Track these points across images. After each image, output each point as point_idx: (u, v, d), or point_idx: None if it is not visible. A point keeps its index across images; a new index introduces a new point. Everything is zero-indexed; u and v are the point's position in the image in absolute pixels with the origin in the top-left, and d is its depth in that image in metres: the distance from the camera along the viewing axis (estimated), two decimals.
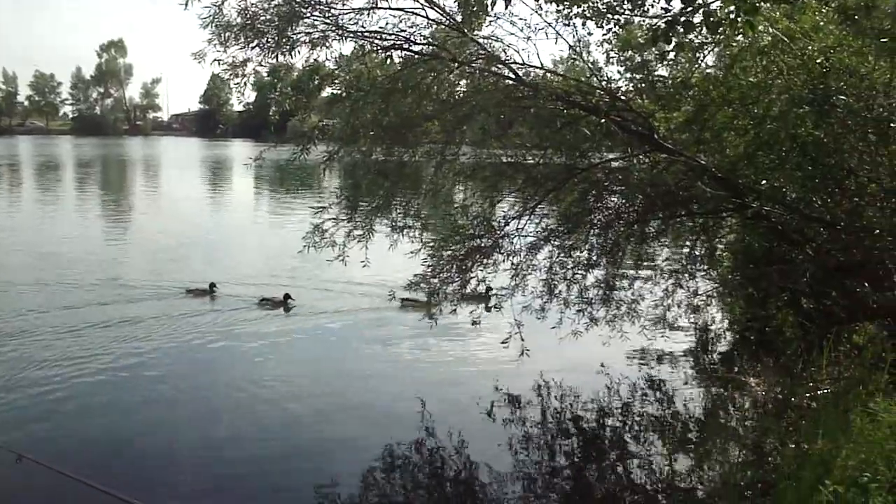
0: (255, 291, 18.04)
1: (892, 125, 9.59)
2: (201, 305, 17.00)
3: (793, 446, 8.18)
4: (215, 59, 10.11)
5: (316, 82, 11.47)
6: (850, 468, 5.62)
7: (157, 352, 13.67)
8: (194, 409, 11.21)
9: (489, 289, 11.53)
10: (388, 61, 10.55)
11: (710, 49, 11.71)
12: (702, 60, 11.93)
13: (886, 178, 9.68)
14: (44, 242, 26.07)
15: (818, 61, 9.78)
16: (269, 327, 15.53)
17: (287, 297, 17.08)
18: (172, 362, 13.25)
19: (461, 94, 10.35)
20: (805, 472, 6.40)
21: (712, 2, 6.29)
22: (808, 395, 9.72)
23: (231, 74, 10.29)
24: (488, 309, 11.89)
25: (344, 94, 11.24)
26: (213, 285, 18.01)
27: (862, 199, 10.01)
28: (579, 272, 11.35)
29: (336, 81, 11.61)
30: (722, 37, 11.17)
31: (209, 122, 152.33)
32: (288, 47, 9.84)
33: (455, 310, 11.43)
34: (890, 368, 7.68)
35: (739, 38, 10.98)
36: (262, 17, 9.74)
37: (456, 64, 10.09)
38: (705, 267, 12.18)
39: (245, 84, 10.31)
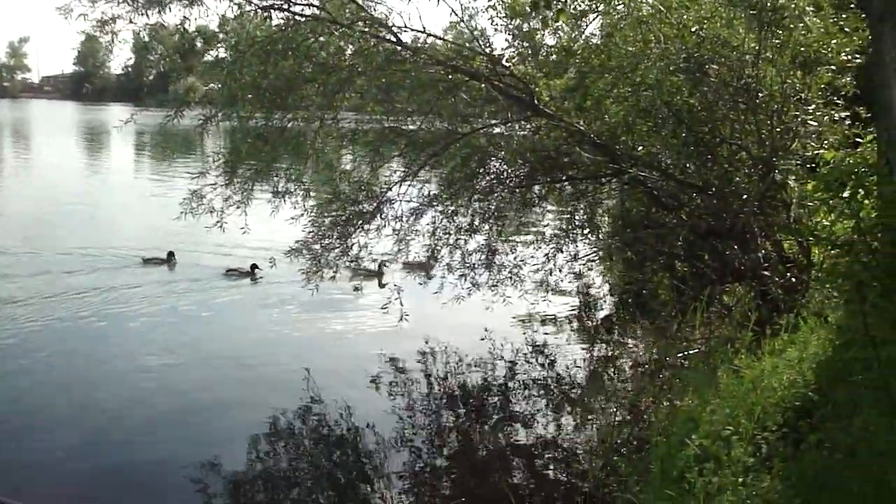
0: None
1: (759, 95, 9.97)
2: (95, 275, 16.31)
3: (666, 404, 8.47)
4: (82, 14, 9.60)
5: (198, 45, 11.07)
6: (716, 423, 5.84)
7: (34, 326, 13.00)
8: (70, 384, 10.68)
9: (383, 264, 11.50)
10: (267, 22, 10.24)
11: (592, 18, 11.91)
12: (584, 29, 12.12)
13: (754, 146, 10.07)
14: None
15: (693, 31, 10.06)
16: (147, 297, 14.98)
17: (254, 267, 16.36)
18: (49, 337, 12.59)
19: (342, 58, 10.15)
20: (675, 428, 6.62)
21: None
22: (681, 354, 10.09)
23: (100, 32, 9.80)
24: (381, 285, 11.91)
25: (224, 57, 10.90)
26: (171, 253, 17.35)
27: (732, 166, 10.40)
28: (462, 237, 11.41)
29: (218, 44, 11.25)
30: (602, 5, 11.38)
31: (84, 84, 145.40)
32: (158, 4, 9.41)
33: (334, 276, 11.30)
34: (755, 326, 8.02)
35: (620, 7, 11.21)
36: None
37: (337, 26, 9.89)
38: (586, 232, 12.43)
39: (114, 42, 9.83)
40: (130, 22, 9.70)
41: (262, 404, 10.15)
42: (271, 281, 15.49)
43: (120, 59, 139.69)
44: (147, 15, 9.56)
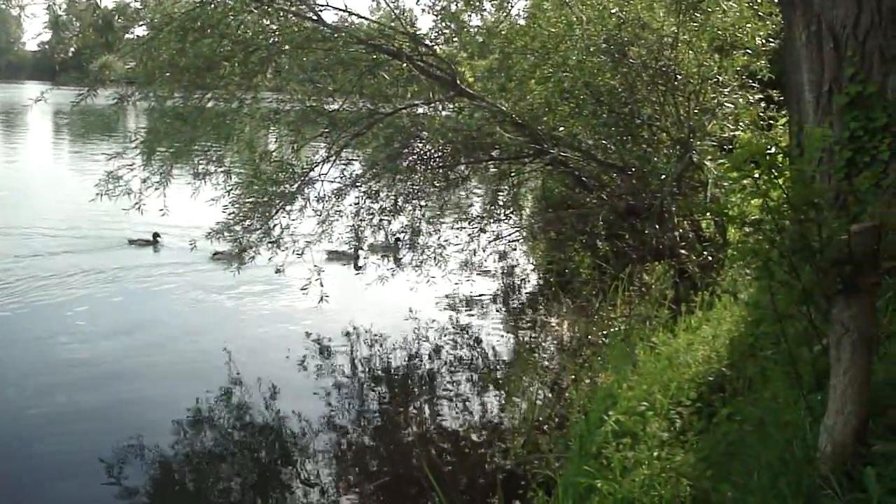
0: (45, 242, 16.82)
1: (678, 77, 10.17)
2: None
3: (587, 381, 8.62)
4: None
5: (117, 22, 10.75)
6: (633, 399, 5.96)
7: None
8: None
9: (358, 247, 11.48)
10: None
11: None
12: (509, 10, 12.14)
13: (673, 127, 10.27)
14: None
15: (614, 13, 10.19)
16: (48, 281, 14.48)
17: (156, 235, 16.21)
18: None
19: (262, 36, 9.95)
20: (594, 405, 6.74)
21: None
22: (602, 332, 10.26)
23: (6, 4, 9.42)
24: (357, 268, 11.85)
25: (145, 35, 10.59)
26: (156, 235, 16.89)
27: (651, 147, 10.60)
28: (385, 218, 11.37)
29: (140, 22, 10.94)
30: None
31: None
32: None
33: (254, 257, 11.14)
34: (672, 304, 8.22)
35: None
36: None
37: (257, 3, 9.71)
38: (509, 212, 12.50)
39: (21, 16, 9.47)
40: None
41: (183, 387, 9.95)
42: (190, 262, 15.17)
43: (33, 36, 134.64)
44: None
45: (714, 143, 10.04)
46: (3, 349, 11.13)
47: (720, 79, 10.20)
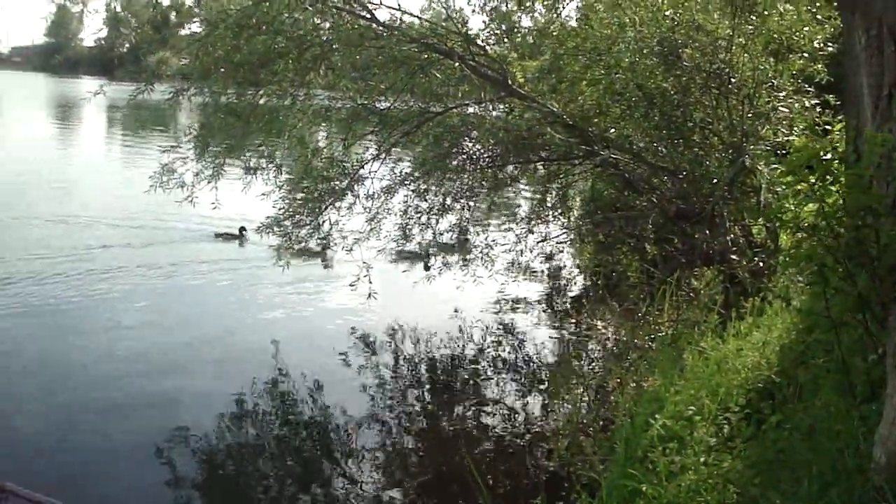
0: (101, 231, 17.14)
1: (731, 80, 10.04)
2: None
3: (632, 385, 8.55)
4: None
5: (173, 18, 10.94)
6: (680, 403, 5.91)
7: None
8: (29, 373, 10.23)
9: (429, 247, 11.59)
10: None
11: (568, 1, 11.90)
12: (560, 11, 12.10)
13: (725, 131, 10.14)
14: None
15: (667, 14, 10.10)
16: (112, 274, 14.79)
17: (242, 229, 16.30)
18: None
19: (316, 34, 10.05)
20: (640, 408, 6.69)
21: None
22: (649, 337, 10.17)
23: (70, 1, 9.65)
24: (427, 268, 12.00)
25: (199, 32, 10.78)
26: (242, 229, 16.94)
27: (703, 150, 10.47)
28: (433, 216, 11.40)
29: (194, 19, 11.14)
30: None
31: (55, 56, 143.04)
32: None
33: (305, 253, 11.25)
34: (721, 310, 8.12)
35: None
36: None
37: (311, 1, 9.80)
38: (557, 213, 12.47)
39: (84, 12, 9.68)
40: None
41: (230, 382, 10.08)
42: (242, 257, 15.39)
43: (92, 32, 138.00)
44: None
45: (768, 148, 9.89)
46: (70, 338, 11.39)
47: (775, 82, 10.04)
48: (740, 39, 9.82)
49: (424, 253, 11.95)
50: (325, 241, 11.24)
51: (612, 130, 10.73)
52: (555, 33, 11.49)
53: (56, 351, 10.85)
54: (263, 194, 10.71)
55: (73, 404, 9.25)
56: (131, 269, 15.05)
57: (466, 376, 11.13)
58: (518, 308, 13.92)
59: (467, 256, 11.93)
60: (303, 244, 10.99)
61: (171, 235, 17.63)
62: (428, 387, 10.76)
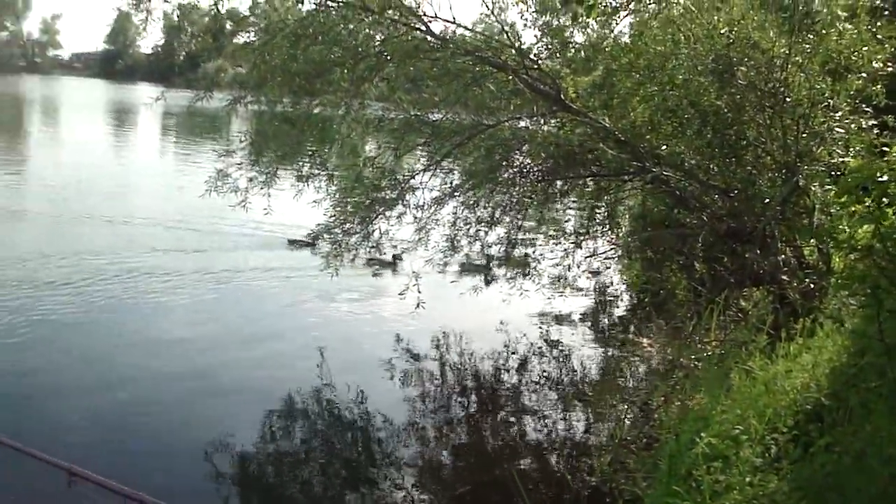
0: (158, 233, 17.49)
1: (787, 99, 9.93)
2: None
3: (677, 403, 8.48)
4: None
5: (228, 27, 11.16)
6: (726, 423, 5.86)
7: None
8: (92, 369, 10.62)
9: (490, 259, 11.69)
10: (300, 6, 10.31)
11: (622, 16, 11.89)
12: (614, 26, 12.09)
13: (779, 150, 10.03)
14: None
15: (723, 32, 10.03)
16: (168, 276, 15.10)
17: (396, 257, 15.56)
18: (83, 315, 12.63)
19: (371, 45, 10.19)
20: (685, 426, 6.64)
21: None
22: (695, 356, 10.08)
23: (134, 7, 9.93)
24: (487, 282, 12.13)
25: (255, 40, 10.98)
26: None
27: (755, 169, 10.37)
28: (482, 228, 11.45)
29: (249, 27, 11.34)
30: (633, 4, 11.38)
31: (114, 62, 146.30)
32: None
33: (353, 259, 11.34)
34: (770, 330, 8.01)
35: (651, 6, 11.19)
36: None
37: (367, 13, 9.93)
38: (606, 229, 12.44)
39: (147, 20, 9.93)
40: (165, 1, 9.81)
41: (278, 386, 10.32)
42: (292, 265, 15.61)
43: (150, 39, 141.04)
44: None
45: (822, 169, 9.75)
46: (126, 336, 11.78)
47: (831, 102, 9.90)
48: (797, 58, 9.71)
49: (486, 265, 12.05)
50: (396, 251, 11.36)
51: (664, 147, 10.66)
52: (607, 49, 11.48)
53: (114, 348, 11.23)
54: (315, 202, 10.86)
55: (130, 400, 9.55)
56: (184, 271, 15.45)
57: (510, 388, 11.14)
58: (563, 322, 13.88)
59: (515, 269, 11.95)
60: (354, 252, 11.09)
61: (224, 240, 18.03)
62: (472, 397, 10.79)
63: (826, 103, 9.89)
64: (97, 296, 13.36)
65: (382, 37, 10.12)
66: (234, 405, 9.73)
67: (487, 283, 11.93)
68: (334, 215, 10.57)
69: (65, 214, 19.48)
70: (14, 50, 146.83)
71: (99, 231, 18.17)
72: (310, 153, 11.11)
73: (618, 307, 15.61)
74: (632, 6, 11.41)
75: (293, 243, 17.28)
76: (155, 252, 16.63)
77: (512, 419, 10.13)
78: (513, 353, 12.26)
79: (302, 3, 10.23)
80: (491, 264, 11.80)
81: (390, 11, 9.85)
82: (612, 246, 12.87)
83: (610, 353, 12.81)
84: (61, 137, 43.89)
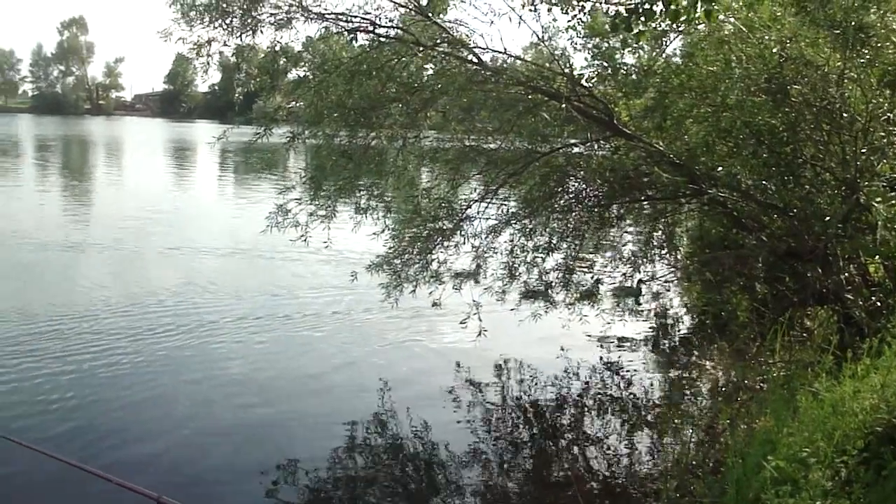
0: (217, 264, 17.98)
1: (843, 115, 9.81)
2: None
3: (743, 426, 8.39)
4: (180, 38, 10.13)
5: (282, 63, 11.47)
6: (794, 445, 5.80)
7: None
8: (169, 399, 10.95)
9: (641, 281, 11.76)
10: (353, 43, 10.58)
11: (673, 37, 11.90)
12: (665, 48, 12.11)
13: (838, 167, 9.90)
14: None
15: (775, 51, 9.98)
16: (236, 308, 15.46)
17: (641, 282, 14.95)
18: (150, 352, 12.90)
19: (424, 78, 10.40)
20: (752, 450, 6.57)
21: None
22: (759, 377, 9.96)
23: (196, 54, 10.29)
24: (639, 303, 12.15)
25: (310, 76, 11.28)
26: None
27: (814, 188, 10.24)
28: (539, 255, 11.49)
29: (302, 64, 11.64)
30: (683, 25, 11.37)
31: (173, 102, 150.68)
32: (252, 28, 9.86)
33: (414, 290, 11.47)
34: (836, 350, 7.89)
35: (701, 27, 11.17)
36: None
37: (420, 47, 10.15)
38: (664, 252, 12.38)
39: (209, 64, 10.30)
40: (224, 45, 10.16)
41: (340, 413, 10.49)
42: (352, 294, 15.84)
43: (207, 78, 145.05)
44: (241, 38, 10.00)
45: (884, 184, 9.60)
46: (192, 363, 12.16)
47: (891, 116, 9.76)
48: (852, 73, 9.61)
49: (636, 288, 12.13)
50: (544, 283, 11.56)
51: (720, 168, 10.61)
52: (658, 71, 11.50)
53: (183, 375, 11.66)
54: (374, 234, 11.06)
55: (204, 429, 9.87)
56: (246, 298, 16.06)
57: (572, 414, 11.11)
58: (624, 346, 13.80)
59: (574, 295, 11.96)
60: (413, 281, 11.23)
61: (285, 271, 18.45)
62: (534, 424, 10.79)
63: (885, 117, 9.76)
64: (162, 321, 14.00)
65: (434, 70, 10.33)
66: (293, 433, 9.97)
67: (547, 309, 11.91)
68: (393, 246, 10.77)
69: (128, 247, 20.78)
70: (80, 93, 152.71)
71: (163, 262, 19.15)
72: (367, 185, 11.32)
73: (678, 330, 15.45)
74: (682, 28, 11.41)
75: (353, 274, 17.47)
76: (221, 281, 17.31)
77: (575, 445, 10.09)
78: (574, 377, 12.23)
79: (355, 40, 10.48)
80: (550, 291, 11.80)
81: (444, 45, 10.06)
82: (671, 269, 12.79)
83: (672, 376, 12.69)
84: (124, 175, 45.50)
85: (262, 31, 10.08)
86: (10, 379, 11.01)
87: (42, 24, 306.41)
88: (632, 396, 11.76)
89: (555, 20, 12.78)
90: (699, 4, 6.16)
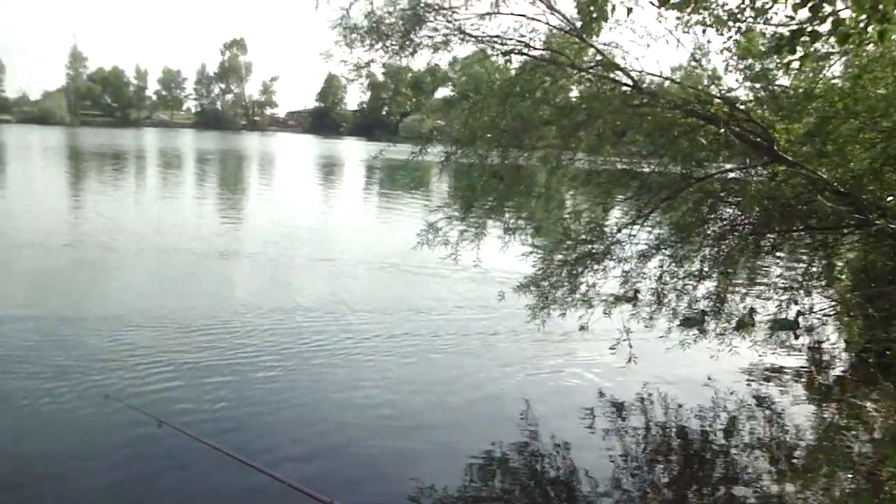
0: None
1: None
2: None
3: None
4: (342, 60, 10.52)
5: (431, 83, 11.71)
6: None
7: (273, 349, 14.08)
8: (321, 408, 11.35)
9: (799, 313, 11.69)
10: (508, 65, 10.68)
11: (836, 59, 11.38)
12: (827, 70, 11.60)
13: None
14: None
15: None
16: (385, 323, 15.80)
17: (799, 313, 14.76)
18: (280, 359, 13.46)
19: (578, 100, 10.37)
20: None
21: (841, 10, 6.12)
22: None
23: (355, 75, 10.65)
24: (796, 337, 12.14)
25: (459, 96, 11.46)
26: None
27: None
28: (690, 283, 11.20)
29: (450, 83, 11.84)
30: (850, 47, 10.85)
31: (323, 119, 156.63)
32: (411, 50, 10.11)
33: (564, 313, 11.39)
34: None
35: (870, 47, 10.64)
36: (388, 21, 10.05)
37: (574, 69, 10.12)
38: (822, 284, 11.81)
39: (368, 85, 10.66)
40: (383, 66, 10.48)
41: (482, 432, 10.59)
42: (499, 314, 15.93)
43: (362, 98, 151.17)
44: (399, 60, 10.27)
45: None
46: (329, 376, 12.51)
47: None
48: None
49: (794, 322, 11.83)
50: (696, 311, 11.44)
51: (890, 199, 10.05)
52: (820, 94, 11.02)
53: (331, 385, 12.16)
54: (523, 254, 11.10)
55: (353, 437, 10.26)
56: (395, 313, 16.44)
57: (717, 448, 10.74)
58: (774, 380, 13.25)
59: (726, 324, 11.58)
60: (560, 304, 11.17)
61: (435, 285, 18.92)
62: (677, 457, 10.49)
63: None
64: (306, 332, 14.62)
65: (589, 93, 10.28)
66: (434, 452, 10.10)
67: (696, 338, 11.57)
68: (541, 268, 10.76)
69: (281, 258, 22.13)
70: (237, 109, 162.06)
71: (316, 273, 20.31)
72: (517, 206, 11.38)
73: (835, 367, 14.69)
74: (849, 48, 10.90)
75: (500, 294, 17.56)
76: (372, 295, 18.01)
77: (720, 483, 9.74)
78: (721, 410, 11.83)
79: (510, 62, 10.57)
80: (704, 319, 11.46)
81: (600, 68, 10.00)
82: (830, 302, 12.19)
83: (827, 416, 12.07)
84: (275, 188, 47.61)
85: (419, 54, 10.32)
86: (191, 374, 12.02)
87: (206, 45, 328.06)
88: (780, 433, 11.27)
89: (709, 41, 12.46)
90: (872, 25, 5.91)
